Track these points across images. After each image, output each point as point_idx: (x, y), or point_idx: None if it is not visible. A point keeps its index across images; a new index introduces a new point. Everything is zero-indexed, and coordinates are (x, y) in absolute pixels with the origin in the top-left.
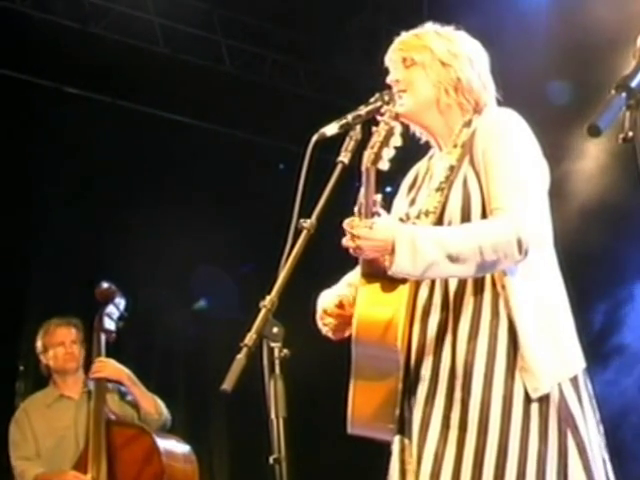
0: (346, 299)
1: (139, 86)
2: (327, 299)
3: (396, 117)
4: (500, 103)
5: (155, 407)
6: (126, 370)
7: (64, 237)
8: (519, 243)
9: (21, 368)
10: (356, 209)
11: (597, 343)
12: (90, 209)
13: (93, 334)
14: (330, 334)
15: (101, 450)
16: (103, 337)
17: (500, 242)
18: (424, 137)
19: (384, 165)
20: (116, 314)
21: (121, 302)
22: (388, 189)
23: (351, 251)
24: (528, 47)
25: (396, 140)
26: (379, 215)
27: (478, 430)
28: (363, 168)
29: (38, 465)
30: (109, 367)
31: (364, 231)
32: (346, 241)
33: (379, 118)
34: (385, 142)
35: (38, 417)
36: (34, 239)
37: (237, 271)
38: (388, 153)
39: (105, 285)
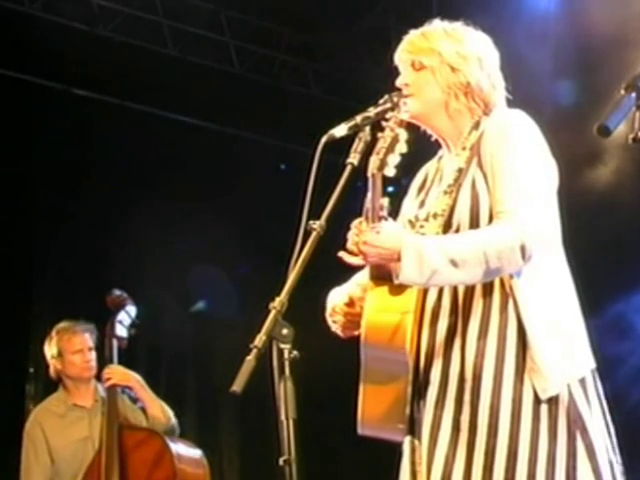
0: (356, 296)
1: (147, 88)
2: (337, 297)
3: (401, 124)
4: (509, 102)
5: (163, 412)
6: (135, 375)
7: (71, 239)
8: (522, 250)
9: (31, 370)
10: (363, 214)
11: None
12: (96, 210)
13: (104, 340)
14: (339, 331)
15: (114, 457)
16: (115, 344)
17: (504, 249)
18: (434, 136)
19: (390, 171)
20: (128, 321)
21: (132, 309)
22: (390, 189)
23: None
24: (536, 47)
25: (401, 147)
26: (386, 219)
27: (488, 432)
28: (369, 174)
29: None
30: (118, 373)
31: (370, 236)
32: (351, 244)
33: (384, 124)
34: (390, 148)
35: (53, 429)
36: (41, 242)
37: (237, 271)
38: (394, 159)
39: (117, 292)
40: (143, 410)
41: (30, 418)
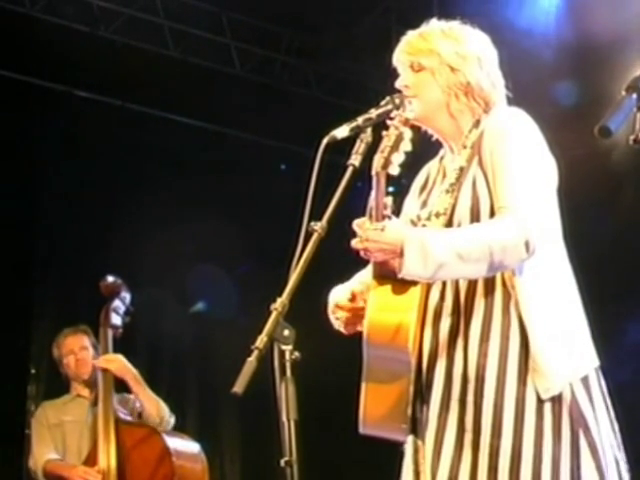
0: (358, 291)
1: (148, 89)
2: (339, 293)
3: (406, 122)
4: (509, 100)
5: (157, 410)
6: (133, 370)
7: (71, 239)
8: (526, 243)
9: (33, 371)
10: (367, 213)
11: None
12: (97, 211)
13: (99, 329)
14: (342, 328)
15: (110, 444)
16: (110, 332)
17: (508, 242)
18: (435, 136)
19: (394, 170)
20: (122, 308)
21: (127, 296)
22: (391, 188)
23: (361, 253)
24: (536, 47)
25: (406, 145)
26: (390, 218)
27: (492, 433)
28: (373, 172)
29: (54, 452)
30: (117, 362)
31: (374, 234)
32: (355, 243)
33: (389, 123)
34: (395, 147)
35: (53, 412)
36: (42, 243)
37: (237, 271)
38: (398, 158)
39: (110, 279)
40: (138, 410)
41: (39, 407)
